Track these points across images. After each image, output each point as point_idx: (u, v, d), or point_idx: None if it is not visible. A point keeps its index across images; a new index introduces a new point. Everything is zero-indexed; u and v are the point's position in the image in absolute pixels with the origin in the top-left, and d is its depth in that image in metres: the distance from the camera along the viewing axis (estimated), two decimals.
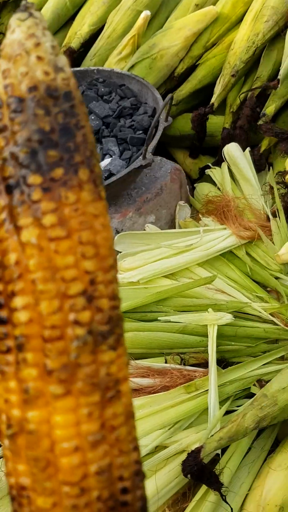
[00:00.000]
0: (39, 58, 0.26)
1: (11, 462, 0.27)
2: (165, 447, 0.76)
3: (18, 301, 0.26)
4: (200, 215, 1.12)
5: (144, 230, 1.10)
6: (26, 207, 0.26)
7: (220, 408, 0.78)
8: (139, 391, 0.83)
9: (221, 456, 0.75)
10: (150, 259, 1.02)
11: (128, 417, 0.28)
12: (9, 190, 0.26)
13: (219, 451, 0.74)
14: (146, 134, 1.00)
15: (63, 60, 0.26)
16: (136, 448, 0.29)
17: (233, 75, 1.14)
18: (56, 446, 0.26)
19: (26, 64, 0.26)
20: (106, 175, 0.98)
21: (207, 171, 1.21)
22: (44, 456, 0.26)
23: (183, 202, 1.17)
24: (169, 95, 0.96)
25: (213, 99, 1.18)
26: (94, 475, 0.27)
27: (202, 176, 1.29)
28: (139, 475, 0.28)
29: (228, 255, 1.04)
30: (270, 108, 1.10)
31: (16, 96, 0.26)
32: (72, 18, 1.43)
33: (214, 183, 1.19)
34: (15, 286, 0.26)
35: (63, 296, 0.26)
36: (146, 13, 1.23)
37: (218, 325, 0.87)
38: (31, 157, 0.26)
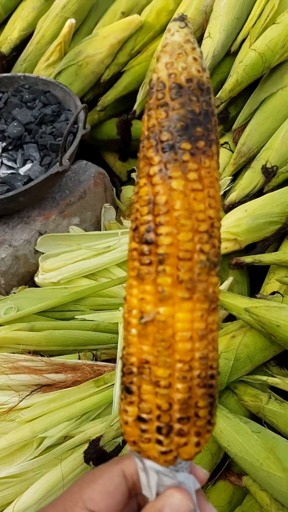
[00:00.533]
0: (195, 59, 0.35)
1: (137, 344, 0.36)
2: (72, 437, 0.81)
3: (163, 229, 0.35)
4: (122, 217, 1.18)
5: (68, 232, 1.15)
6: (178, 164, 0.34)
7: None
8: (51, 386, 0.88)
9: (123, 445, 0.81)
10: (70, 260, 1.07)
11: (218, 326, 0.38)
12: (164, 150, 0.35)
13: (120, 440, 0.79)
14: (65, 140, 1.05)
15: (205, 63, 0.36)
16: (217, 352, 0.39)
17: None
18: (176, 334, 0.35)
19: (185, 61, 0.35)
20: (25, 180, 1.02)
21: (132, 174, 1.27)
22: (168, 339, 0.35)
23: (108, 204, 1.23)
24: (82, 105, 1.00)
25: (135, 106, 1.24)
26: (198, 359, 0.36)
27: (131, 179, 1.34)
28: (218, 371, 0.39)
29: None
30: None
31: (177, 83, 0.35)
32: (4, 22, 1.45)
33: None
34: (163, 218, 0.35)
35: (195, 231, 0.35)
36: (71, 21, 1.27)
37: None
38: (184, 129, 0.34)
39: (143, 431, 0.37)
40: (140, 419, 0.37)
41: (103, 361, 0.93)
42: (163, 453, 0.37)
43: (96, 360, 0.93)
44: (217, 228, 0.37)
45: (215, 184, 0.36)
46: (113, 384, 0.86)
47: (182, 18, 0.36)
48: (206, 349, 0.36)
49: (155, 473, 0.38)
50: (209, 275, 0.36)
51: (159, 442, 0.37)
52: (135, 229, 0.36)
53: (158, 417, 0.36)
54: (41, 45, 1.35)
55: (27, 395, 0.86)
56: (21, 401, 0.84)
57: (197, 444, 0.38)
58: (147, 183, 0.35)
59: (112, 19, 1.35)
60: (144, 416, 0.36)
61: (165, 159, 0.34)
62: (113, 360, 0.92)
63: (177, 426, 0.37)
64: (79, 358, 0.93)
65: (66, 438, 0.82)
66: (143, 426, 0.37)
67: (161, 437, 0.37)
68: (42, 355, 0.92)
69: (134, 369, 0.37)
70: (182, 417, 0.36)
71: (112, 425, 0.78)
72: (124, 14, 1.34)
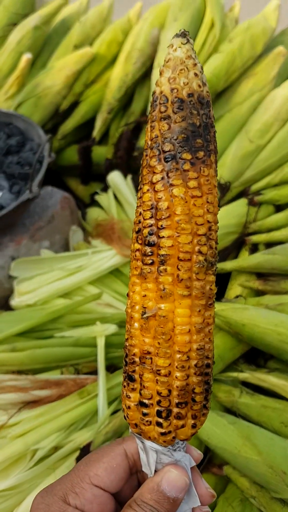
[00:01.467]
0: (196, 74, 0.38)
1: (139, 337, 0.41)
2: (62, 447, 0.86)
3: (165, 232, 0.39)
4: (89, 238, 1.24)
5: (40, 255, 1.20)
6: (179, 173, 0.38)
7: (108, 408, 0.89)
8: (38, 402, 0.93)
9: None
10: (45, 281, 1.12)
11: (214, 320, 0.42)
12: (166, 159, 0.38)
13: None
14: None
15: (205, 78, 0.39)
16: (212, 343, 0.43)
17: (108, 113, 1.28)
18: (176, 327, 0.40)
19: (187, 76, 0.38)
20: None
21: (96, 197, 1.33)
22: (168, 333, 0.40)
23: (76, 226, 1.29)
24: (48, 136, 1.07)
25: (94, 133, 1.31)
26: (195, 350, 0.40)
27: (94, 201, 1.41)
28: (213, 360, 0.43)
29: (116, 272, 1.16)
30: (143, 141, 1.24)
31: (180, 98, 0.38)
32: None
33: (103, 208, 1.31)
34: (164, 222, 0.39)
35: (194, 234, 0.39)
36: (27, 56, 1.34)
37: (105, 336, 0.99)
38: (185, 140, 0.38)
39: (144, 414, 0.42)
40: (141, 404, 0.42)
41: (85, 374, 0.98)
42: (163, 434, 0.42)
43: (78, 373, 0.98)
44: (214, 231, 0.40)
45: (213, 191, 0.40)
46: (96, 394, 0.91)
47: (184, 34, 0.38)
48: (202, 341, 0.41)
49: (154, 452, 0.44)
50: (206, 274, 0.40)
51: (159, 424, 0.42)
52: (138, 231, 0.40)
53: (158, 402, 0.41)
54: None
55: (16, 412, 0.90)
56: (10, 418, 0.89)
57: (193, 426, 0.42)
58: (150, 190, 0.39)
59: (65, 52, 1.43)
60: (146, 401, 0.42)
61: (167, 168, 0.38)
62: (94, 372, 0.98)
63: (175, 410, 0.41)
64: (61, 373, 0.98)
65: (56, 448, 0.87)
66: (145, 410, 0.42)
67: (160, 420, 0.42)
68: (26, 374, 0.97)
69: (137, 359, 0.41)
70: (180, 402, 0.41)
71: (100, 431, 0.84)
72: (77, 47, 1.42)
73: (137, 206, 0.41)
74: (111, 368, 0.98)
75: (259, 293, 1.01)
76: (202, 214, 0.39)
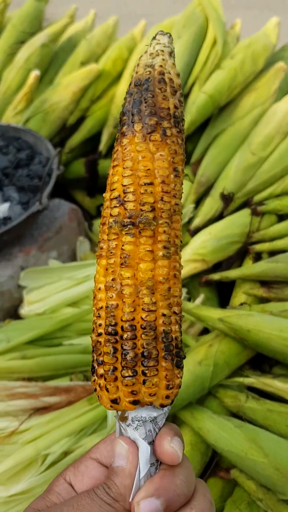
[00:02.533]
0: (174, 64, 0.43)
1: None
2: (72, 452, 0.88)
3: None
4: (96, 248, 1.27)
5: (48, 265, 1.23)
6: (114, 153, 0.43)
7: None
8: (48, 408, 0.95)
9: None
10: (53, 291, 1.15)
11: (141, 285, 0.40)
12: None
13: None
14: (41, 181, 1.14)
15: (177, 70, 0.44)
16: (162, 315, 0.41)
17: (115, 127, 1.31)
18: (96, 285, 0.42)
19: (165, 62, 0.43)
20: (6, 221, 1.10)
21: (101, 209, 1.36)
22: (94, 291, 0.42)
23: (83, 237, 1.32)
24: (57, 150, 1.10)
25: (100, 147, 1.35)
26: (105, 308, 0.41)
27: (100, 213, 1.44)
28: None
29: None
30: None
31: (126, 91, 0.43)
32: None
33: None
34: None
35: (109, 200, 0.43)
36: (36, 73, 1.39)
37: None
38: (120, 124, 0.44)
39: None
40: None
41: None
42: (95, 390, 0.41)
43: (87, 380, 1.00)
44: (131, 193, 0.41)
45: (134, 155, 0.42)
46: None
47: (166, 33, 0.45)
48: (111, 300, 0.40)
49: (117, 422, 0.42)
50: (119, 235, 0.41)
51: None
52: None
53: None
54: (8, 95, 1.45)
55: (26, 419, 0.92)
56: (22, 424, 0.91)
57: (106, 389, 0.39)
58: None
59: (72, 69, 1.47)
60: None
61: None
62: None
63: (96, 366, 0.40)
64: (71, 380, 1.00)
65: (67, 453, 0.89)
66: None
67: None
68: (36, 381, 0.99)
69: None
70: (97, 359, 0.40)
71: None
72: (83, 64, 1.47)
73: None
74: None
75: (263, 300, 1.03)
76: (116, 180, 0.42)
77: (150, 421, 0.41)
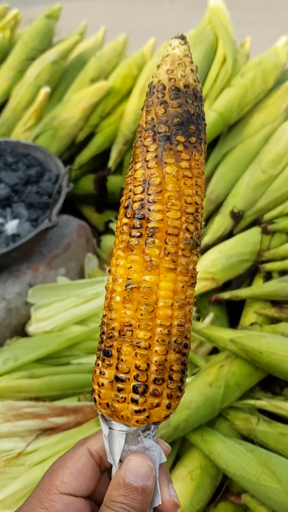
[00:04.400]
0: (192, 70, 0.42)
1: (120, 309, 0.40)
2: None
3: (155, 206, 0.40)
4: (104, 265, 1.26)
5: (56, 282, 1.22)
6: (172, 152, 0.40)
7: None
8: (55, 429, 0.94)
9: None
10: (61, 308, 1.14)
11: (193, 301, 0.42)
12: (160, 140, 0.41)
13: None
14: (51, 198, 1.14)
15: (199, 76, 0.43)
16: (191, 325, 0.42)
17: (124, 144, 1.32)
18: (159, 300, 0.40)
19: (184, 71, 0.42)
20: (8, 242, 1.10)
21: (110, 225, 1.36)
22: (152, 305, 0.40)
23: (91, 254, 1.31)
24: (67, 167, 1.10)
25: (109, 164, 1.35)
26: (176, 326, 0.40)
27: (109, 229, 1.44)
28: (190, 342, 0.42)
29: None
30: None
31: (176, 87, 0.41)
32: None
33: None
34: (155, 197, 0.40)
35: (183, 211, 0.40)
36: (46, 90, 1.39)
37: None
38: (180, 124, 0.41)
39: (119, 390, 0.40)
40: (117, 379, 0.40)
41: None
42: (137, 412, 0.40)
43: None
44: (200, 214, 0.42)
45: (202, 176, 0.42)
46: None
47: (183, 37, 0.43)
48: (183, 318, 0.40)
49: (123, 437, 0.41)
50: (191, 253, 0.41)
51: (134, 401, 0.39)
52: (127, 206, 0.41)
53: (136, 377, 0.39)
54: (17, 111, 1.46)
55: (33, 440, 0.91)
56: (29, 445, 0.89)
57: (168, 406, 0.40)
58: (143, 166, 0.41)
59: (81, 86, 1.48)
60: (122, 375, 0.40)
61: (161, 147, 0.40)
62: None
63: (152, 386, 0.40)
64: (79, 400, 0.99)
65: None
66: (120, 385, 0.40)
67: (136, 396, 0.39)
68: (43, 401, 0.98)
69: (115, 333, 0.40)
70: (158, 378, 0.40)
71: None
72: (93, 81, 1.47)
73: (126, 184, 0.42)
74: None
75: (274, 320, 1.02)
76: (191, 194, 0.41)
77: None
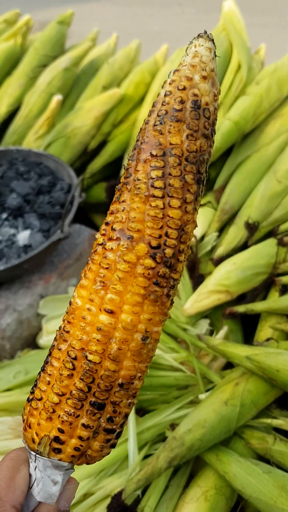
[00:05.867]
0: (214, 85, 0.40)
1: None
2: (92, 494, 0.84)
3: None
4: None
5: (67, 293, 1.21)
6: None
7: (139, 453, 0.88)
8: None
9: (142, 496, 0.85)
10: None
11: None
12: (198, 182, 0.39)
13: (139, 492, 0.83)
14: (63, 208, 1.13)
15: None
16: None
17: None
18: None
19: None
20: (19, 253, 1.08)
21: None
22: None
23: None
24: (80, 178, 1.09)
25: (122, 172, 1.33)
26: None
27: None
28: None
29: None
30: None
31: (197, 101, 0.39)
32: None
33: None
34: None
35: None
36: (58, 97, 1.38)
37: None
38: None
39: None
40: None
41: None
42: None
43: None
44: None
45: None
46: (126, 438, 0.90)
47: (210, 38, 0.40)
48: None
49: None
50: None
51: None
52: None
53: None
54: (29, 119, 1.44)
55: None
56: None
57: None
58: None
59: (93, 93, 1.46)
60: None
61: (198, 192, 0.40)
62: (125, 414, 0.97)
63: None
64: None
65: (86, 495, 0.85)
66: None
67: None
68: None
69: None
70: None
71: (131, 479, 0.82)
72: (105, 88, 1.46)
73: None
74: (140, 411, 0.97)
75: None
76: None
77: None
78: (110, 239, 0.39)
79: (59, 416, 0.41)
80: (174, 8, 4.75)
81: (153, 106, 0.41)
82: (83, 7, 3.92)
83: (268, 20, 4.17)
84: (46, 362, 0.43)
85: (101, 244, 0.40)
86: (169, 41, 1.67)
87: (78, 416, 0.40)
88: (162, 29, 4.17)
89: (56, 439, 0.41)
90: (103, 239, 0.40)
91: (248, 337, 1.11)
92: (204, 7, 4.60)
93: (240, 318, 1.12)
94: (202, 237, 1.21)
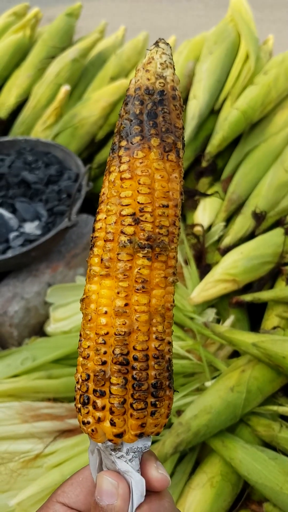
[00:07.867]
0: (147, 71, 0.40)
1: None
2: None
3: (97, 217, 0.39)
4: None
5: (75, 281, 1.21)
6: (116, 160, 0.39)
7: None
8: (73, 431, 0.92)
9: None
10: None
11: (154, 313, 0.38)
12: (112, 151, 0.40)
13: None
14: (70, 197, 1.13)
15: (167, 72, 0.41)
16: (168, 343, 0.39)
17: None
18: (97, 309, 0.38)
19: (140, 76, 0.41)
20: (22, 242, 1.09)
21: None
22: (90, 313, 0.38)
23: None
24: (87, 166, 1.09)
25: None
26: (113, 335, 0.37)
27: None
28: (144, 354, 0.38)
29: None
30: None
31: (128, 95, 0.40)
32: None
33: None
34: (99, 208, 0.40)
35: (119, 215, 0.38)
36: (66, 88, 1.38)
37: None
38: (124, 130, 0.40)
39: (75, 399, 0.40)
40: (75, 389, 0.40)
41: None
42: (84, 423, 0.38)
43: None
44: (150, 213, 0.38)
45: (154, 173, 0.39)
46: None
47: (163, 42, 0.42)
48: (124, 327, 0.37)
49: (98, 455, 0.39)
50: (132, 256, 0.38)
51: (79, 411, 0.38)
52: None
53: (79, 388, 0.38)
54: (37, 110, 1.45)
55: (51, 441, 0.90)
56: (46, 447, 0.88)
57: (112, 423, 0.37)
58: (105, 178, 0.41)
59: (101, 84, 1.46)
60: (76, 385, 0.40)
61: (110, 158, 0.40)
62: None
63: (92, 397, 0.38)
64: None
65: None
66: (76, 396, 0.39)
67: (79, 406, 0.38)
68: (61, 402, 0.97)
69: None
70: (96, 390, 0.37)
71: None
72: (113, 79, 1.46)
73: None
74: None
75: None
76: (130, 195, 0.38)
77: (142, 451, 0.39)
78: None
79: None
80: (182, 4, 4.73)
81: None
82: (92, 3, 3.92)
83: (277, 15, 4.15)
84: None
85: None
86: (178, 36, 1.67)
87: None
88: (170, 24, 4.16)
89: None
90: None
91: (254, 327, 1.11)
92: (213, 2, 4.58)
93: (247, 307, 1.12)
94: (209, 227, 1.21)
